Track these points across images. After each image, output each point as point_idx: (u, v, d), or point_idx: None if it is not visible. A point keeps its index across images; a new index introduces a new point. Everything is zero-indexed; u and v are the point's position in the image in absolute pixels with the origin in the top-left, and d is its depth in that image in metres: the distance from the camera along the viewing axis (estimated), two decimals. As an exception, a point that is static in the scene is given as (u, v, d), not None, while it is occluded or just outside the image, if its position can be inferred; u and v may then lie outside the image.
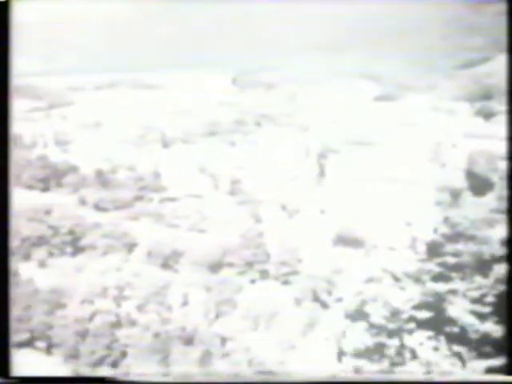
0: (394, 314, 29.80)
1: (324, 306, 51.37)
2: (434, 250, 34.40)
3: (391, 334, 29.68)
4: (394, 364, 28.51)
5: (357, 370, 31.40)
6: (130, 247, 62.81)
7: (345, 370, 32.75)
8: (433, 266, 32.58)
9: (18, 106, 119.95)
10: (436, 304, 29.92)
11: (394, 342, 29.13)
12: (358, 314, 33.38)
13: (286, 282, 59.01)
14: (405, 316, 30.02)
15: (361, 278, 39.50)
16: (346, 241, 66.74)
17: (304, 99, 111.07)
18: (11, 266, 48.51)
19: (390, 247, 49.77)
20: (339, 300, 48.44)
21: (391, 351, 28.96)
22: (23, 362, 46.96)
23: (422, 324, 29.55)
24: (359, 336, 32.05)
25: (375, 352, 30.47)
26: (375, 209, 70.54)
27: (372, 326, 31.52)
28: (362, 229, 66.65)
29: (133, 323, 50.43)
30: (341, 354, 34.23)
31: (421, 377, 29.97)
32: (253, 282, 59.84)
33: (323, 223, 71.58)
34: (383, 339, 30.01)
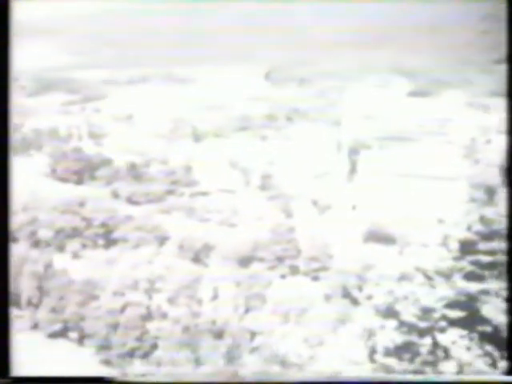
0: (426, 312, 29.54)
1: (354, 302, 51.18)
2: (467, 247, 33.99)
3: (422, 332, 29.43)
4: (425, 363, 28.30)
5: (386, 369, 31.23)
6: (162, 240, 63.22)
7: (374, 368, 32.60)
8: (466, 264, 32.18)
9: (53, 99, 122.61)
10: (469, 303, 29.57)
11: (425, 341, 28.89)
12: (389, 312, 33.14)
13: (316, 278, 58.83)
14: (437, 315, 29.74)
15: (392, 275, 39.25)
16: (377, 237, 66.20)
17: (336, 94, 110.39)
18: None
19: (422, 244, 49.28)
20: (370, 297, 48.20)
21: (422, 350, 28.73)
22: (56, 353, 47.78)
23: (454, 323, 29.25)
24: (389, 334, 31.83)
25: (406, 351, 30.25)
26: (407, 205, 69.82)
27: (403, 324, 31.26)
28: (394, 225, 66.05)
29: (163, 316, 50.85)
30: (371, 352, 34.06)
31: (421, 377, 29.84)
32: (283, 277, 59.78)
33: (354, 219, 71.10)
34: (414, 338, 29.76)
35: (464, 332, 29.21)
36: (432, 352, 28.62)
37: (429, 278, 30.90)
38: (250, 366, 45.84)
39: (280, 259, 61.18)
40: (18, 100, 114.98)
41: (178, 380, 43.07)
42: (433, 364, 28.25)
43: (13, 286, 52.46)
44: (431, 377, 29.76)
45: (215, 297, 55.22)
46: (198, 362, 46.46)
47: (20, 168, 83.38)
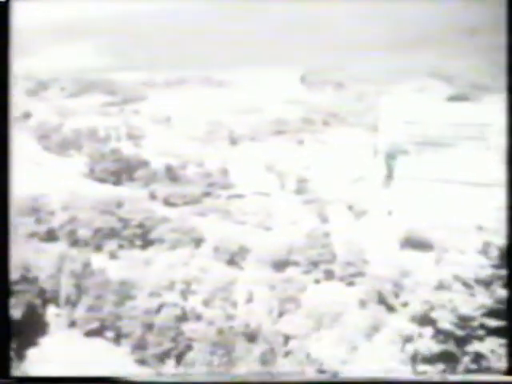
0: (464, 320, 29.06)
1: (390, 309, 50.74)
2: (506, 255, 33.37)
3: (460, 341, 28.95)
4: (464, 371, 27.86)
5: (421, 376, 30.80)
6: (198, 242, 63.70)
7: (408, 374, 32.26)
8: (505, 273, 31.58)
9: (92, 101, 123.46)
10: (508, 311, 29.04)
11: (463, 350, 28.42)
12: (426, 320, 32.66)
13: (351, 283, 58.53)
14: (475, 323, 29.22)
15: (429, 282, 38.79)
16: (414, 243, 65.61)
17: (373, 99, 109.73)
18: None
19: (461, 251, 48.61)
20: (406, 304, 47.72)
21: (460, 358, 28.29)
22: (92, 351, 48.28)
23: (493, 332, 28.77)
24: (426, 342, 31.35)
25: (442, 358, 29.80)
26: (445, 211, 69.02)
27: (440, 332, 30.78)
28: (431, 232, 65.35)
29: (198, 317, 51.08)
30: (405, 359, 33.61)
31: (422, 377, 29.41)
32: (317, 281, 59.64)
33: (391, 225, 70.60)
34: (451, 346, 29.29)
35: (503, 341, 28.70)
36: (470, 361, 28.19)
37: (467, 285, 30.37)
38: (283, 369, 45.77)
39: (315, 264, 61.07)
40: (57, 101, 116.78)
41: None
42: (469, 372, 27.83)
43: (51, 283, 53.35)
44: (434, 377, 29.40)
45: (250, 300, 55.35)
46: (232, 364, 46.56)
47: (59, 168, 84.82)
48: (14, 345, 46.09)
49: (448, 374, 27.71)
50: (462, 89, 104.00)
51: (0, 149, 18.73)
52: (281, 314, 53.86)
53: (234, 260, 61.88)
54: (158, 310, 49.62)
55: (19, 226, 62.50)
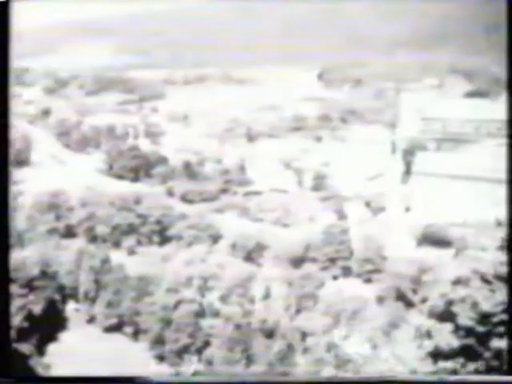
0: (484, 317, 28.79)
1: (408, 305, 50.46)
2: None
3: (479, 337, 28.68)
4: (484, 367, 27.61)
5: (441, 372, 30.60)
6: (215, 239, 63.85)
7: (427, 371, 32.04)
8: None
9: (111, 98, 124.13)
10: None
11: (482, 345, 28.17)
12: (445, 316, 32.42)
13: (368, 280, 58.36)
14: (495, 319, 28.95)
15: (448, 279, 38.52)
16: (432, 240, 65.16)
17: (392, 95, 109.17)
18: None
19: (480, 247, 48.19)
20: (424, 300, 47.43)
21: (480, 354, 28.05)
22: (111, 347, 48.52)
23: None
24: (445, 337, 31.12)
25: (462, 354, 29.56)
26: (464, 208, 68.46)
27: (459, 328, 30.49)
28: (450, 228, 64.88)
29: (216, 314, 51.15)
30: (425, 355, 33.38)
31: (422, 376, 29.14)
32: (335, 278, 59.53)
33: (409, 221, 70.23)
34: (471, 342, 29.03)
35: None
36: (489, 357, 27.95)
37: (487, 282, 30.09)
38: (301, 366, 45.67)
39: (332, 260, 60.95)
40: (77, 98, 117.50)
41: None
42: (492, 368, 27.58)
43: (70, 279, 53.69)
44: (434, 377, 29.18)
45: (267, 296, 55.34)
46: (249, 360, 46.58)
47: (78, 165, 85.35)
48: (34, 340, 46.57)
49: (468, 370, 27.49)
50: (481, 85, 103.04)
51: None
52: (298, 311, 53.82)
53: (251, 256, 61.96)
54: (176, 306, 49.75)
55: (39, 222, 63.13)
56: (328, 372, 40.45)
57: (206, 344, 48.44)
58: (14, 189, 70.10)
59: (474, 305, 29.51)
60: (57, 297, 51.91)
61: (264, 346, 47.85)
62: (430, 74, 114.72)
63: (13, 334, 44.67)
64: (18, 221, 61.90)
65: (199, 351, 47.37)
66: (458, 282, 34.74)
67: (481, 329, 28.86)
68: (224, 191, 78.36)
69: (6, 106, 20.09)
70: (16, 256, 51.97)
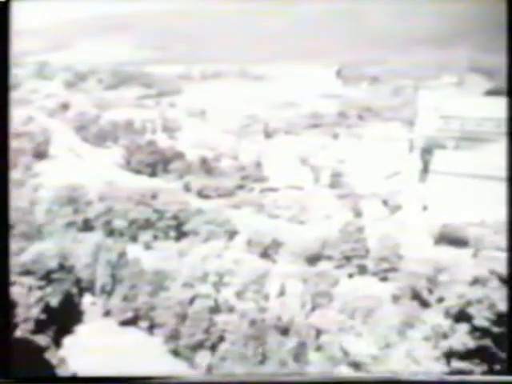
0: (501, 317, 28.71)
1: (424, 304, 50.25)
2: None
3: (496, 337, 28.61)
4: (501, 368, 27.54)
5: (456, 373, 30.52)
6: (231, 235, 64.01)
7: (442, 371, 31.94)
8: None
9: (129, 93, 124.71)
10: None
11: (499, 347, 28.09)
12: (461, 316, 32.31)
13: (384, 279, 58.19)
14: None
15: (465, 279, 38.35)
16: (449, 239, 64.83)
17: (410, 93, 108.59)
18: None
19: (497, 247, 47.92)
20: (440, 299, 47.19)
21: (496, 355, 27.97)
22: (126, 341, 48.87)
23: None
24: (460, 338, 31.03)
25: (478, 355, 29.50)
26: (481, 207, 67.98)
27: (475, 328, 30.45)
28: (467, 227, 64.47)
29: (231, 309, 51.30)
30: (440, 355, 33.32)
31: (423, 377, 29.07)
32: (350, 276, 59.41)
33: (426, 220, 69.88)
34: (487, 342, 28.96)
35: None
36: (505, 358, 27.82)
37: (504, 282, 29.95)
38: (315, 363, 45.71)
39: (348, 258, 60.86)
40: (95, 93, 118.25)
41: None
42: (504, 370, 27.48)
43: (87, 273, 54.13)
44: (434, 377, 29.14)
45: (282, 293, 55.39)
46: (263, 356, 46.70)
47: (97, 159, 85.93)
48: (50, 332, 47.08)
49: (484, 370, 27.49)
50: (501, 83, 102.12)
51: None
52: (313, 308, 53.80)
53: (267, 253, 62.04)
54: (191, 301, 49.97)
55: (57, 215, 63.68)
56: (340, 370, 40.48)
57: (221, 339, 48.66)
58: (33, 181, 70.78)
59: (491, 306, 29.41)
60: (74, 290, 52.45)
61: (278, 343, 47.95)
62: (449, 71, 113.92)
63: (31, 325, 45.30)
64: (38, 214, 62.54)
65: (213, 347, 47.61)
66: (474, 282, 34.58)
67: (497, 329, 28.78)
68: (240, 187, 78.50)
69: (6, 107, 20.24)
70: (35, 248, 52.61)
